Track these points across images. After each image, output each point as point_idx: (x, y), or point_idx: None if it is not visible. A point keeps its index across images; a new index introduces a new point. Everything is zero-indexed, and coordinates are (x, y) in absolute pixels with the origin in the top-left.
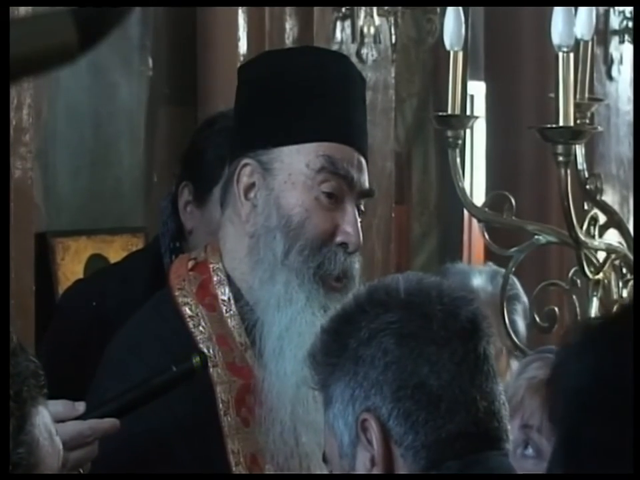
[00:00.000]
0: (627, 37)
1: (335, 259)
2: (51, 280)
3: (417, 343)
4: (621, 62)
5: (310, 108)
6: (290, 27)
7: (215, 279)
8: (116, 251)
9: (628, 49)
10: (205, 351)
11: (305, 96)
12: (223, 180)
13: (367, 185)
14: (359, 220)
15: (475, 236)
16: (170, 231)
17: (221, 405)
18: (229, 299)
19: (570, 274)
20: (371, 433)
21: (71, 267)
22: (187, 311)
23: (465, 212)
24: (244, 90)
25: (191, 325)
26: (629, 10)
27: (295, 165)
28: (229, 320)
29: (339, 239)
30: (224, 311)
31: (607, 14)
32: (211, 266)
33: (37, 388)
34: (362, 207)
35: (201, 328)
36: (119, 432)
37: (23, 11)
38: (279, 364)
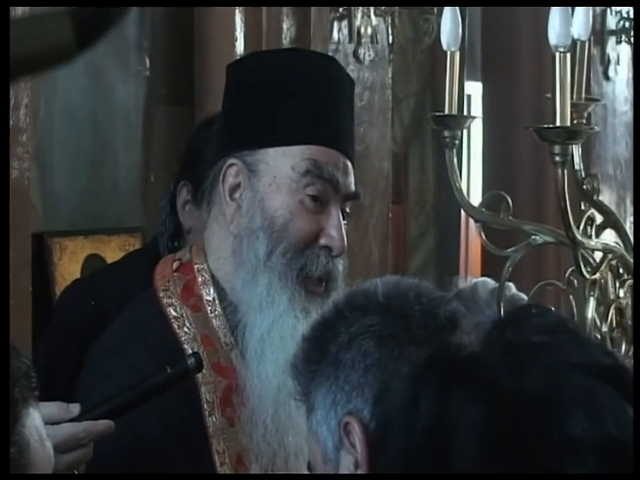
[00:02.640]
0: (623, 37)
1: (317, 260)
2: (48, 280)
3: (397, 343)
4: (617, 62)
5: (296, 110)
6: (287, 27)
7: (199, 279)
8: (113, 250)
9: (625, 49)
10: (190, 351)
11: (292, 98)
12: (209, 179)
13: (352, 188)
14: (343, 223)
15: (472, 236)
16: (168, 230)
17: (205, 405)
18: (213, 299)
19: (567, 274)
20: (354, 436)
21: (68, 267)
22: (171, 311)
23: (462, 212)
24: (231, 89)
25: (175, 325)
26: (625, 10)
27: (281, 167)
28: (213, 320)
29: (322, 242)
30: (209, 311)
31: (603, 14)
32: (196, 266)
33: (29, 390)
34: (347, 210)
35: (185, 329)
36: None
37: (20, 11)
38: (261, 366)
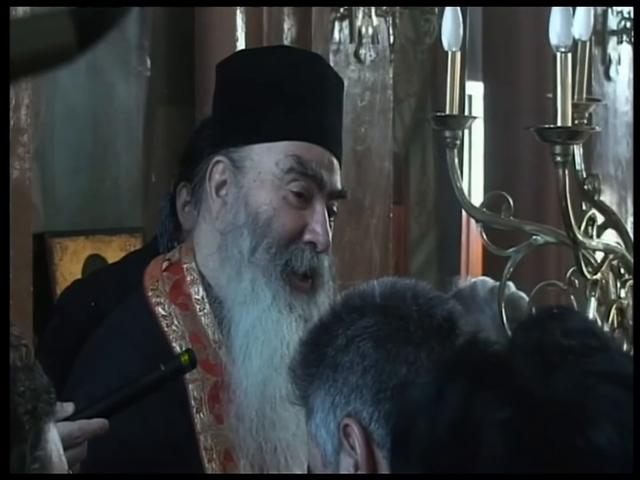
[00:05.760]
0: (625, 38)
1: (301, 255)
2: (49, 280)
3: (394, 344)
4: (618, 62)
5: (281, 107)
6: (288, 27)
7: (188, 278)
8: (114, 251)
9: (626, 50)
10: (178, 349)
11: (276, 95)
12: (197, 177)
13: (338, 185)
14: (328, 220)
15: (473, 236)
16: (168, 230)
17: (193, 402)
18: (202, 297)
19: (568, 274)
20: (353, 438)
21: (69, 267)
22: (159, 310)
23: (463, 212)
24: (219, 88)
25: (164, 324)
26: (627, 10)
27: (265, 163)
28: (202, 318)
29: (306, 237)
30: (197, 309)
31: (604, 14)
32: (185, 266)
33: (50, 405)
34: (335, 208)
35: (174, 327)
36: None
37: (21, 11)
38: (246, 361)
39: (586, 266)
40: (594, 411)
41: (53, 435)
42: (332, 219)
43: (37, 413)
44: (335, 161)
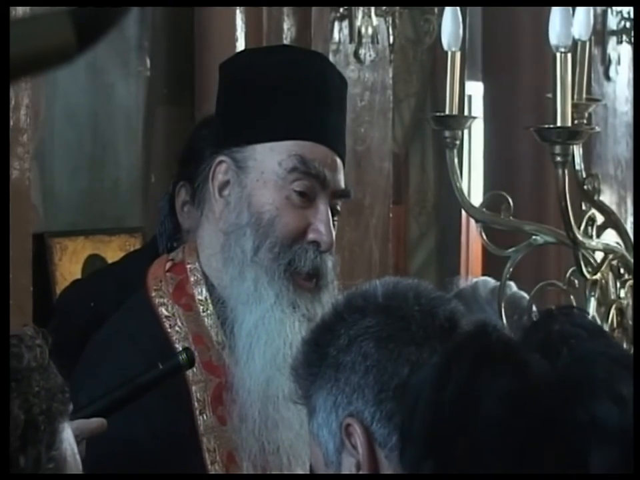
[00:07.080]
0: (624, 38)
1: (305, 255)
2: (49, 280)
3: (396, 344)
4: (618, 62)
5: (283, 106)
6: (288, 27)
7: (191, 279)
8: (114, 251)
9: (625, 50)
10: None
11: (279, 94)
12: (200, 177)
13: (341, 184)
14: (331, 219)
15: (473, 236)
16: (167, 230)
17: (196, 404)
18: (205, 298)
19: (567, 274)
20: (355, 438)
21: (69, 267)
22: (163, 311)
23: (463, 212)
24: (222, 87)
25: (167, 325)
26: (626, 10)
27: (268, 163)
28: (205, 319)
29: (310, 236)
30: (200, 310)
31: (604, 14)
32: (188, 266)
33: (64, 404)
34: (338, 207)
35: (177, 328)
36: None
37: (20, 11)
38: (249, 361)
39: (586, 266)
40: (594, 385)
41: (67, 435)
42: (335, 218)
43: (52, 412)
44: (338, 160)
